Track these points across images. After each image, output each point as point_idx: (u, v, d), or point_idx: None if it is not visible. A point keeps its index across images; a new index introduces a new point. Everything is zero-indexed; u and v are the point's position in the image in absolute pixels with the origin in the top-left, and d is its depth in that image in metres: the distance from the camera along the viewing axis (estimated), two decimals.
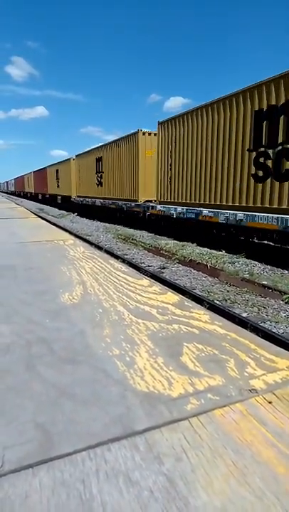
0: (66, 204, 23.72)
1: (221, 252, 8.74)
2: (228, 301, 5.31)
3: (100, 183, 17.57)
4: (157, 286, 2.30)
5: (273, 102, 7.20)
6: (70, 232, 7.90)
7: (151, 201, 12.75)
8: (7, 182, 77.57)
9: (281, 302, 5.22)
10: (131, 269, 2.85)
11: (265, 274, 6.92)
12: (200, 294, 5.48)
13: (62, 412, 1.00)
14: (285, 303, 5.18)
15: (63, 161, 24.81)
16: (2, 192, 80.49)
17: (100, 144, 17.78)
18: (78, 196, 20.81)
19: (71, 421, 0.96)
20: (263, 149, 7.54)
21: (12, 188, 63.66)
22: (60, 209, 24.93)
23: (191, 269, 7.35)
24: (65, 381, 1.16)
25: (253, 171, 7.82)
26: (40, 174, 32.11)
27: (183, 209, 10.30)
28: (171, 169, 11.18)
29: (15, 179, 59.19)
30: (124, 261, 6.78)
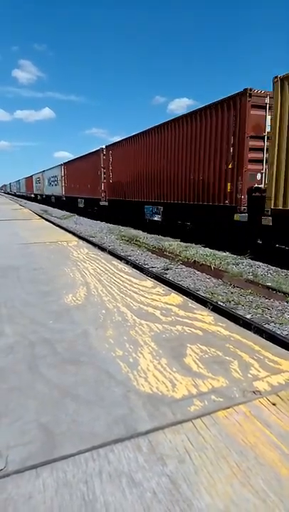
0: None
1: (224, 253, 8.73)
2: (232, 302, 5.29)
3: None
4: (161, 288, 2.29)
5: None
6: (74, 234, 7.93)
7: None
8: (33, 177, 41.50)
9: (285, 304, 5.20)
10: (134, 270, 2.85)
11: (269, 275, 6.90)
12: (203, 295, 5.47)
13: (66, 413, 1.00)
14: None
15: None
16: (12, 195, 61.93)
17: None
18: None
19: (74, 421, 0.96)
20: None
21: (58, 190, 27.66)
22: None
23: (195, 271, 7.34)
24: (68, 382, 1.16)
25: None
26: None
27: None
28: None
29: (63, 166, 26.20)
30: (127, 262, 6.79)
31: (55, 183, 28.96)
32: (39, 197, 39.33)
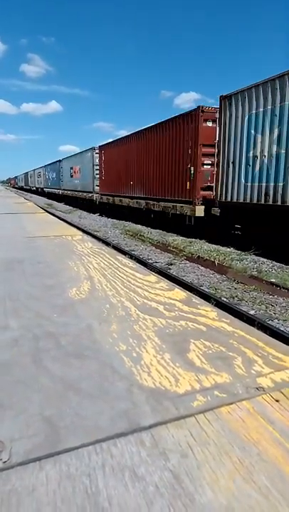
0: None
1: (229, 249, 8.69)
2: (236, 298, 5.28)
3: None
4: (164, 283, 2.29)
5: None
6: (78, 228, 7.93)
7: None
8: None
9: None
10: (138, 265, 2.85)
11: (273, 271, 6.87)
12: (207, 290, 5.46)
13: (69, 406, 1.00)
14: None
15: None
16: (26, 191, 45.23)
17: None
18: None
19: (78, 415, 0.97)
20: None
21: (87, 186, 19.44)
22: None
23: (199, 266, 7.33)
24: (72, 375, 1.17)
25: None
26: None
27: None
28: None
29: (99, 149, 17.79)
30: (131, 257, 6.79)
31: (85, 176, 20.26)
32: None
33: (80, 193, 21.67)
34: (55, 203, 28.12)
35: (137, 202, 13.85)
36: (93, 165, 18.80)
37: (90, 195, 19.49)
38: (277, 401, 1.03)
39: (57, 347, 1.38)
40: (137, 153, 13.62)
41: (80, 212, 20.05)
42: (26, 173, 55.11)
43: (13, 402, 1.03)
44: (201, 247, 8.98)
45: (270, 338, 1.51)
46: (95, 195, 18.84)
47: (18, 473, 0.78)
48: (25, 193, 39.71)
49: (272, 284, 5.78)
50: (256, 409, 1.00)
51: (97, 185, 18.50)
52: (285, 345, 1.44)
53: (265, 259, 7.70)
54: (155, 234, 11.45)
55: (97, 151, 18.47)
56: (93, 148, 18.88)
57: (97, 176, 18.44)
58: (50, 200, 30.33)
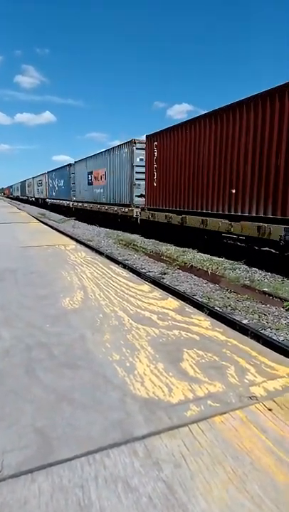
0: None
1: (221, 259, 8.74)
2: (229, 307, 5.30)
3: None
4: (158, 292, 2.30)
5: None
6: (72, 237, 7.92)
7: None
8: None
9: (282, 309, 5.21)
10: (132, 274, 2.86)
11: (265, 280, 6.92)
12: (200, 300, 5.47)
13: (62, 417, 0.99)
14: (286, 310, 5.17)
15: None
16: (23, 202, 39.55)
17: None
18: None
19: (70, 426, 0.96)
20: None
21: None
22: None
23: (192, 275, 7.35)
24: (64, 386, 1.16)
25: None
26: None
27: None
28: None
29: (152, 139, 11.12)
30: (125, 266, 6.78)
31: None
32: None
33: (106, 207, 15.68)
34: (47, 212, 28.04)
35: (258, 228, 7.50)
36: (132, 166, 13.00)
37: (126, 209, 13.65)
38: (270, 410, 1.04)
39: (49, 357, 1.37)
40: (253, 136, 7.67)
41: (73, 221, 20.03)
42: (23, 182, 47.01)
43: (5, 413, 1.01)
44: (194, 256, 9.03)
45: (263, 347, 1.52)
46: (135, 210, 13.08)
47: (9, 485, 0.77)
48: (18, 203, 39.26)
49: (264, 293, 5.82)
50: (249, 419, 1.00)
51: (137, 196, 13.05)
52: (277, 354, 1.44)
53: (257, 269, 7.75)
54: (148, 243, 11.48)
55: (139, 145, 12.68)
56: (133, 142, 12.90)
57: (139, 182, 12.87)
58: (43, 210, 30.21)
